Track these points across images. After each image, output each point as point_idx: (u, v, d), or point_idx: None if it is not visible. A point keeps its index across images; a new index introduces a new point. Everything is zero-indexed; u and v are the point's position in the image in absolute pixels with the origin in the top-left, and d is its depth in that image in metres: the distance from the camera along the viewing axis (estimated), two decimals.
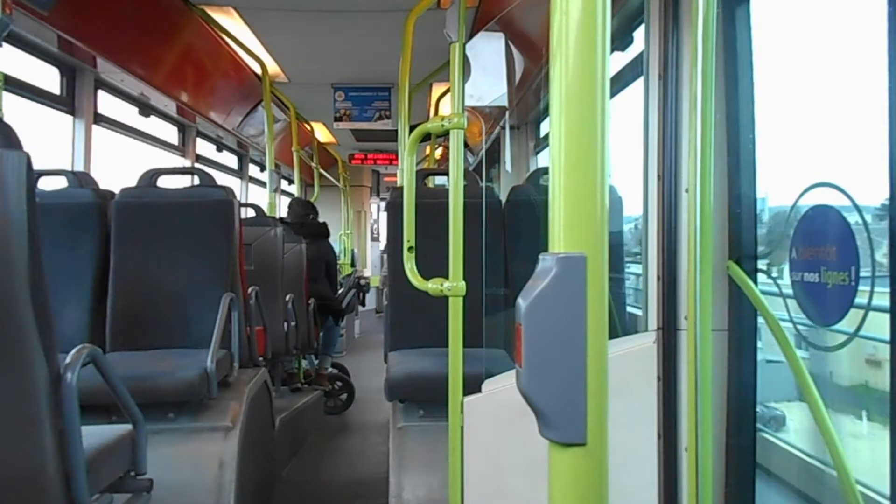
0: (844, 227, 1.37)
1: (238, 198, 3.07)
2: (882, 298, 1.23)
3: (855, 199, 1.36)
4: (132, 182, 3.01)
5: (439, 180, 5.04)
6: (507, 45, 3.82)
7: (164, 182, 3.05)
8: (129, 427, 1.83)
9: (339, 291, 6.21)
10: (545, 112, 4.16)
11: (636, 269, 2.14)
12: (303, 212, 5.40)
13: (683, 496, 1.68)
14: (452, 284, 1.92)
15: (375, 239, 12.24)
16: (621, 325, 2.39)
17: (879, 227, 1.28)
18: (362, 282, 7.27)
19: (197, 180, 3.05)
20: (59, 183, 2.97)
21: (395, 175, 11.08)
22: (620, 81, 2.52)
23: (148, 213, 2.93)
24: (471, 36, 3.58)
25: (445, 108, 5.76)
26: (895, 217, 1.18)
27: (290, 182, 8.08)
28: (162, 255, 2.90)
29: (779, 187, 1.82)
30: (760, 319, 1.65)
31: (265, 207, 4.71)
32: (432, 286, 1.94)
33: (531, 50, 3.79)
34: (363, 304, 7.87)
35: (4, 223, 1.27)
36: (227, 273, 2.91)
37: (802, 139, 1.87)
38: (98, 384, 1.67)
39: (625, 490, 1.72)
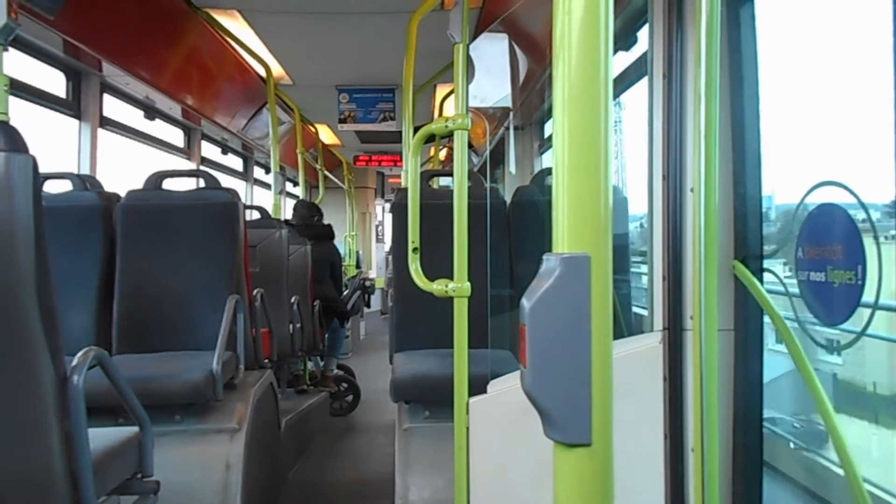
0: (851, 225, 1.36)
1: (243, 200, 3.08)
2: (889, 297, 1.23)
3: (861, 197, 1.35)
4: (137, 185, 3.02)
5: (444, 181, 5.04)
6: (510, 46, 3.82)
7: (170, 185, 3.06)
8: (135, 429, 1.83)
9: (345, 293, 6.22)
10: (549, 113, 4.15)
11: (640, 268, 2.14)
12: (308, 214, 5.40)
13: (690, 497, 1.67)
14: (457, 285, 1.92)
15: (380, 240, 12.25)
16: (627, 326, 2.38)
17: (886, 224, 1.27)
18: (367, 283, 7.28)
19: (202, 183, 3.06)
20: (65, 186, 2.98)
21: (399, 176, 11.10)
22: (624, 81, 2.51)
23: (153, 215, 2.94)
24: (474, 37, 3.59)
25: (449, 109, 5.76)
26: None
27: (295, 184, 8.09)
28: (167, 258, 2.91)
29: (784, 186, 1.82)
30: (767, 319, 1.65)
31: (270, 209, 4.72)
32: (437, 287, 1.93)
33: (535, 51, 3.78)
34: (368, 306, 7.88)
35: (11, 226, 1.27)
36: (233, 275, 2.91)
37: (807, 138, 1.87)
38: (104, 386, 1.68)
39: (631, 490, 1.72)
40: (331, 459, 4.10)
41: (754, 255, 1.68)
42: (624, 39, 2.41)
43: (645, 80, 1.88)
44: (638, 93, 2.31)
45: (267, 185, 7.23)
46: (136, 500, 1.83)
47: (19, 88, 3.21)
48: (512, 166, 5.00)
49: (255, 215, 4.37)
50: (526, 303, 0.78)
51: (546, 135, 4.70)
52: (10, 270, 1.28)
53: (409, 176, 2.11)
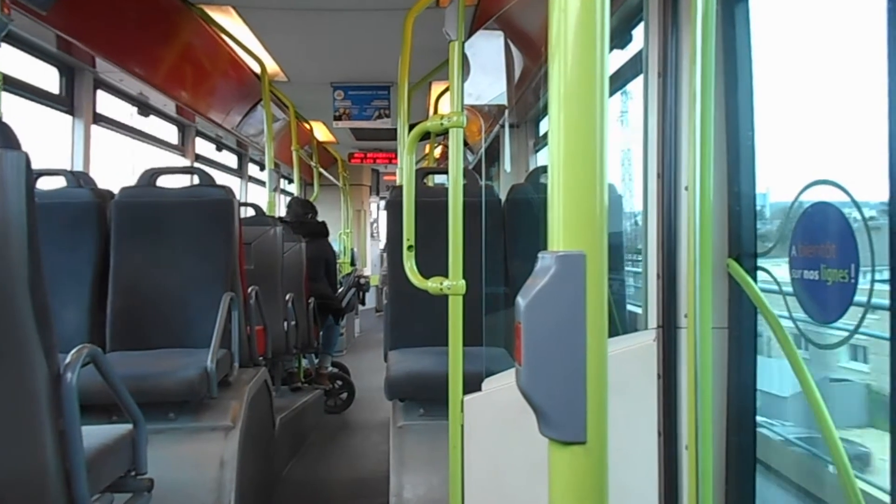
0: (844, 224, 1.37)
1: (237, 197, 3.07)
2: (882, 297, 1.23)
3: (854, 196, 1.36)
4: (131, 182, 3.01)
5: (439, 179, 5.04)
6: (506, 44, 3.82)
7: (164, 182, 3.05)
8: (129, 427, 1.83)
9: (339, 290, 6.21)
10: (544, 110, 4.16)
11: (634, 266, 2.14)
12: (302, 211, 5.39)
13: (684, 494, 1.68)
14: (452, 283, 1.92)
15: (375, 238, 12.24)
16: (621, 323, 2.39)
17: (879, 223, 1.28)
18: (362, 281, 7.27)
19: (196, 180, 3.05)
20: (59, 183, 2.96)
21: (394, 174, 11.05)
22: (620, 79, 2.52)
23: (147, 212, 2.92)
24: (470, 34, 3.58)
25: (445, 106, 5.75)
26: (895, 214, 1.17)
27: (290, 181, 8.07)
28: (162, 255, 2.90)
29: (778, 185, 1.82)
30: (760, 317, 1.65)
31: (265, 207, 4.71)
32: (432, 285, 1.94)
33: (530, 48, 3.78)
34: (363, 303, 7.87)
35: (3, 223, 1.27)
36: (227, 272, 2.91)
37: (802, 136, 1.87)
38: (98, 384, 1.67)
39: (625, 488, 1.72)
40: (325, 457, 4.10)
41: (748, 254, 1.68)
42: (619, 37, 2.42)
43: (640, 79, 1.89)
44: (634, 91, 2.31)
45: (262, 183, 7.23)
46: (130, 497, 1.83)
47: (12, 84, 3.19)
48: (507, 164, 5.01)
49: (250, 212, 4.36)
50: (521, 301, 0.78)
51: (541, 132, 4.70)
52: (2, 268, 1.27)
53: (404, 173, 2.11)
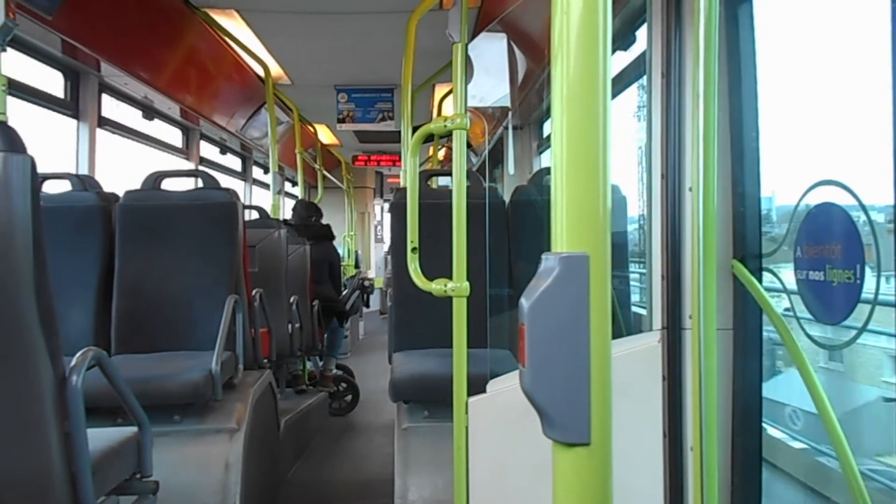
0: (849, 224, 1.36)
1: (242, 200, 3.08)
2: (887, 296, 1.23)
3: (860, 196, 1.35)
4: (136, 185, 3.02)
5: (443, 181, 5.04)
6: (509, 46, 3.82)
7: (168, 185, 3.06)
8: (134, 429, 1.83)
9: (343, 293, 6.22)
10: (548, 112, 4.15)
11: (638, 267, 2.13)
12: (306, 214, 5.40)
13: (689, 496, 1.67)
14: (456, 285, 1.92)
15: (379, 240, 12.25)
16: (626, 325, 2.38)
17: (885, 224, 1.27)
18: (366, 283, 7.27)
19: (200, 183, 3.06)
20: (64, 186, 2.98)
21: (398, 176, 11.09)
22: (623, 81, 2.51)
23: (152, 215, 2.93)
24: (473, 36, 3.59)
25: (448, 108, 5.76)
26: None
27: (294, 184, 8.09)
28: (166, 258, 2.90)
29: (783, 185, 1.82)
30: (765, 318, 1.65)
31: (269, 209, 4.72)
32: (436, 287, 1.93)
33: (534, 50, 3.78)
34: (367, 306, 7.88)
35: (9, 226, 1.27)
36: (232, 275, 2.91)
37: (806, 137, 1.87)
38: (103, 387, 1.68)
39: (629, 490, 1.72)
40: (330, 459, 4.10)
41: (753, 255, 1.68)
42: (622, 39, 2.41)
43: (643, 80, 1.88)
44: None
45: (266, 185, 7.23)
46: (135, 500, 1.83)
47: (17, 88, 3.21)
48: (510, 166, 5.01)
49: (254, 215, 4.37)
50: (525, 302, 0.77)
51: (545, 134, 4.70)
52: (8, 271, 1.27)
53: (407, 175, 2.11)
